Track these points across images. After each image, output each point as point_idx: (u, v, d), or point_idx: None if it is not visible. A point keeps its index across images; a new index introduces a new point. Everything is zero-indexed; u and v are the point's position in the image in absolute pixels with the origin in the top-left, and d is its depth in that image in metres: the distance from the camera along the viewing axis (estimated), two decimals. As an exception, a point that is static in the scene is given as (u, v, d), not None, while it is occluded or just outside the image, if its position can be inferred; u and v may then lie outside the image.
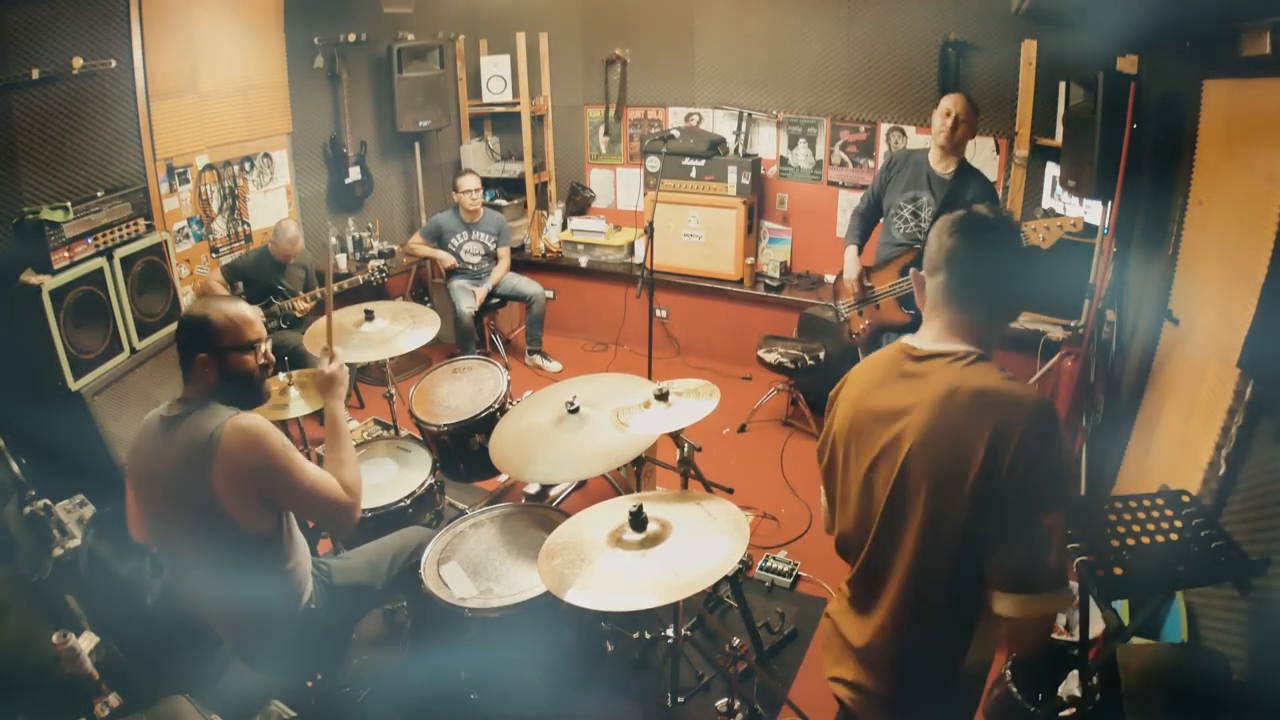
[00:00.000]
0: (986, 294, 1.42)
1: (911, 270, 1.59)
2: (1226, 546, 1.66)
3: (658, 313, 5.00)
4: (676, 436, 2.46)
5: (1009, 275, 1.43)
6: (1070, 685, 2.04)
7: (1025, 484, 1.28)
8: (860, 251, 3.34)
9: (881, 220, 3.37)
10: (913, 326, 3.04)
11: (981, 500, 1.31)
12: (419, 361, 4.66)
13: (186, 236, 4.07)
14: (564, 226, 5.50)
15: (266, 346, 1.90)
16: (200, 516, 1.76)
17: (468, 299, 4.73)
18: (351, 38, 4.84)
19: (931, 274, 1.46)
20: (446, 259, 4.84)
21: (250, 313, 1.88)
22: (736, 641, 2.04)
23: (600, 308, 5.31)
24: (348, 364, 3.88)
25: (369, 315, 3.04)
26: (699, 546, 1.87)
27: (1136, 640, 2.04)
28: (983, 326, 1.43)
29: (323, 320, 3.10)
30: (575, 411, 2.47)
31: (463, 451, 2.89)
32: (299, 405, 2.78)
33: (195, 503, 1.75)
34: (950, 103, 3.14)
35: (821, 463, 1.60)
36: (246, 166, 4.39)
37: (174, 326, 3.58)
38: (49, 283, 3.07)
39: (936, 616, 1.45)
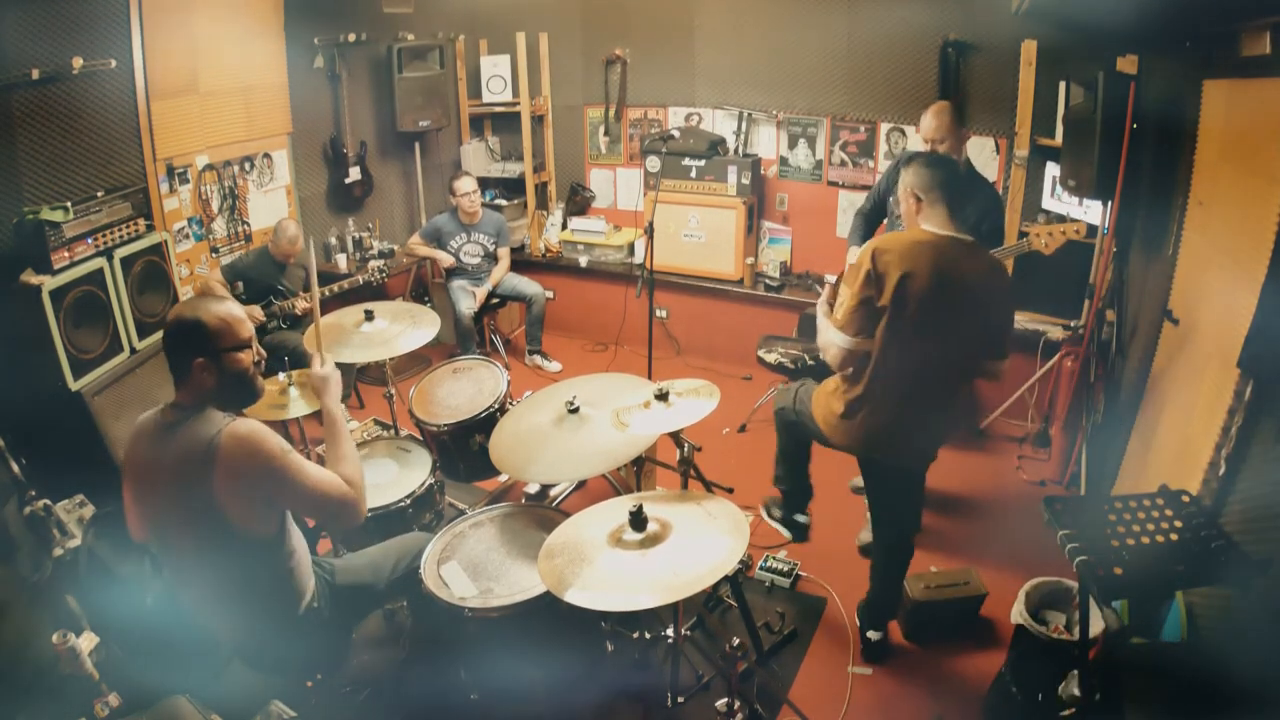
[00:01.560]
0: (966, 201, 2.38)
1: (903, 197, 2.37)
2: (1226, 546, 1.66)
3: (658, 313, 5.00)
4: (676, 436, 2.46)
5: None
6: (1070, 685, 2.04)
7: (1011, 306, 2.43)
8: None
9: (884, 223, 3.35)
10: None
11: (1001, 319, 2.37)
12: (419, 361, 4.66)
13: (186, 236, 4.07)
14: (564, 226, 5.50)
15: (256, 343, 1.90)
16: (202, 523, 1.76)
17: (467, 299, 4.73)
18: (351, 38, 4.84)
19: (926, 192, 2.27)
20: (445, 259, 4.84)
21: (239, 310, 1.87)
22: (736, 641, 2.04)
23: (600, 308, 5.31)
24: (348, 364, 3.89)
25: (369, 315, 3.04)
26: (699, 546, 1.87)
27: (1136, 640, 2.04)
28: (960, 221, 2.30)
29: (323, 321, 3.11)
30: (575, 411, 2.46)
31: (463, 451, 2.89)
32: (299, 405, 2.78)
33: (196, 510, 1.74)
34: (926, 130, 2.98)
35: (875, 303, 2.24)
36: (246, 166, 4.39)
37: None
38: (49, 283, 3.07)
39: (961, 386, 2.51)
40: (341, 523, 1.91)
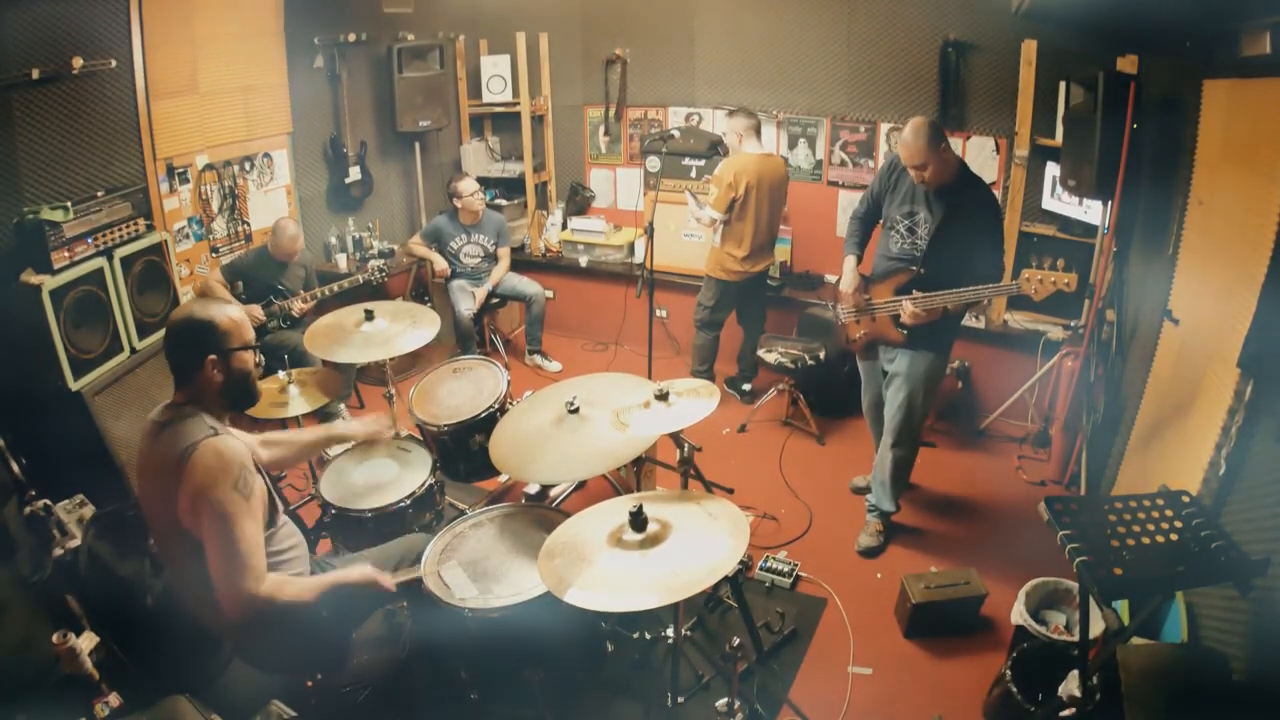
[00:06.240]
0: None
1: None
2: (1226, 546, 1.66)
3: (658, 313, 5.00)
4: (676, 436, 2.46)
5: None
6: (1070, 685, 2.04)
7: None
8: (860, 260, 3.26)
9: (880, 225, 3.29)
10: (907, 344, 3.02)
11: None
12: (419, 361, 4.66)
13: (186, 236, 4.07)
14: (564, 226, 5.50)
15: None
16: (178, 526, 1.78)
17: (467, 299, 4.73)
18: (351, 38, 4.84)
19: (745, 132, 4.08)
20: (441, 265, 4.82)
21: (243, 313, 1.93)
22: (736, 641, 2.04)
23: (600, 308, 5.31)
24: (348, 364, 3.88)
25: (369, 315, 3.04)
26: (699, 546, 1.87)
27: (1136, 640, 2.04)
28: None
29: (323, 321, 3.11)
30: (575, 411, 2.46)
31: (463, 451, 2.89)
32: (299, 404, 2.78)
33: (169, 512, 1.76)
34: (904, 154, 2.82)
35: (736, 197, 4.03)
36: (246, 166, 4.39)
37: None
38: (49, 283, 3.07)
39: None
40: (220, 596, 1.74)
